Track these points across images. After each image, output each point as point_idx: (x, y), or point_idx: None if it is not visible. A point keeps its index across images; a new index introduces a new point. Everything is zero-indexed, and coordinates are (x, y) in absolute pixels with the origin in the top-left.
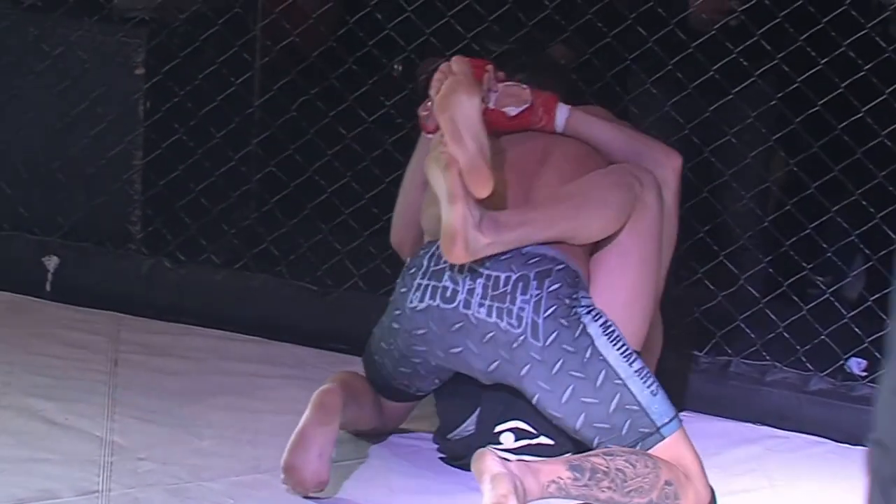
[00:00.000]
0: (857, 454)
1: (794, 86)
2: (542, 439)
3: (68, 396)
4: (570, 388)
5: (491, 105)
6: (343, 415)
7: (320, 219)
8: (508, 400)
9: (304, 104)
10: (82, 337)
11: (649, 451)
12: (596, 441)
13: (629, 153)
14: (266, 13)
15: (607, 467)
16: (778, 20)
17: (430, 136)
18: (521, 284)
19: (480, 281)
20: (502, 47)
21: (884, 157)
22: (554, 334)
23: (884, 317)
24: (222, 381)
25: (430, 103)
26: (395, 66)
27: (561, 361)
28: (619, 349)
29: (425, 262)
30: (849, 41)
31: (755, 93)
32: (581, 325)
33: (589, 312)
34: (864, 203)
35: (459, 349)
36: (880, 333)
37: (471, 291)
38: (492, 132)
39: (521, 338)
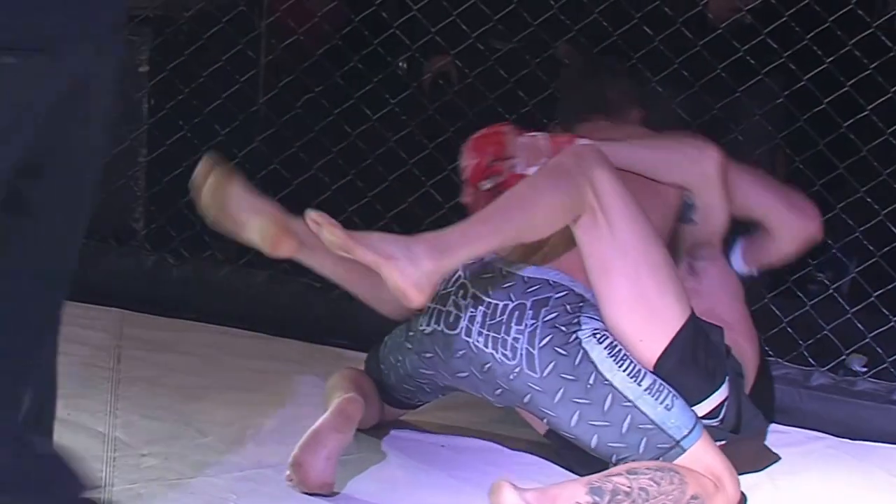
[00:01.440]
0: (857, 449)
1: (801, 84)
2: None
3: (71, 392)
4: (577, 413)
5: (518, 171)
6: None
7: None
8: None
9: (309, 102)
10: (85, 333)
11: (675, 463)
12: (614, 458)
13: (658, 165)
14: (271, 11)
15: (629, 487)
16: (784, 19)
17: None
18: (516, 314)
19: (481, 308)
20: (507, 46)
21: (888, 154)
22: (551, 364)
23: (886, 312)
24: (225, 376)
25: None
26: (401, 65)
27: (562, 390)
28: (625, 370)
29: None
30: (854, 40)
31: (761, 91)
32: (582, 352)
33: (593, 335)
34: (868, 200)
35: (465, 374)
36: (881, 329)
37: (472, 319)
38: None
39: (517, 369)
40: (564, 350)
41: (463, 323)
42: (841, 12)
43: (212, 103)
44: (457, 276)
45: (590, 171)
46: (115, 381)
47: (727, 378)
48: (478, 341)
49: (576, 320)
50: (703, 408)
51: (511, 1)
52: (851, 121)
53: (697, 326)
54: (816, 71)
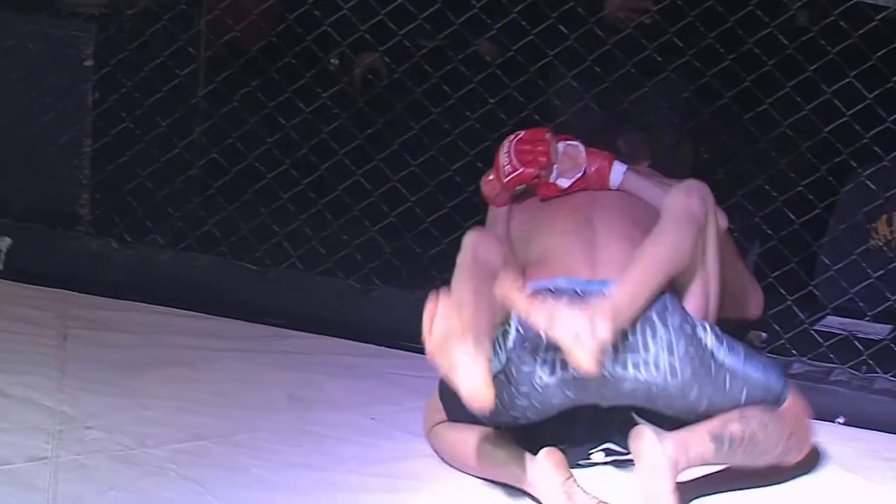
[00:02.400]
0: None
1: (704, 80)
2: (630, 457)
3: (20, 369)
4: (705, 402)
5: (551, 179)
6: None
7: (260, 203)
8: (599, 423)
9: (246, 95)
10: (33, 313)
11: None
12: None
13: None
14: (210, 9)
15: (742, 434)
16: (689, 19)
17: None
18: (648, 328)
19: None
20: (431, 43)
21: (785, 145)
22: (689, 370)
23: (782, 293)
24: (166, 354)
25: (491, 177)
26: (332, 61)
27: (696, 387)
28: (728, 349)
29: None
30: (754, 39)
31: (668, 86)
32: (704, 347)
33: (703, 328)
34: (767, 188)
35: (591, 397)
36: (778, 308)
37: None
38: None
39: (660, 382)
40: (695, 350)
41: None
42: (742, 13)
43: (154, 96)
44: None
45: (708, 223)
46: (61, 359)
47: None
48: (615, 370)
49: (686, 315)
50: None
51: (436, 1)
52: (751, 114)
53: None
54: (719, 67)
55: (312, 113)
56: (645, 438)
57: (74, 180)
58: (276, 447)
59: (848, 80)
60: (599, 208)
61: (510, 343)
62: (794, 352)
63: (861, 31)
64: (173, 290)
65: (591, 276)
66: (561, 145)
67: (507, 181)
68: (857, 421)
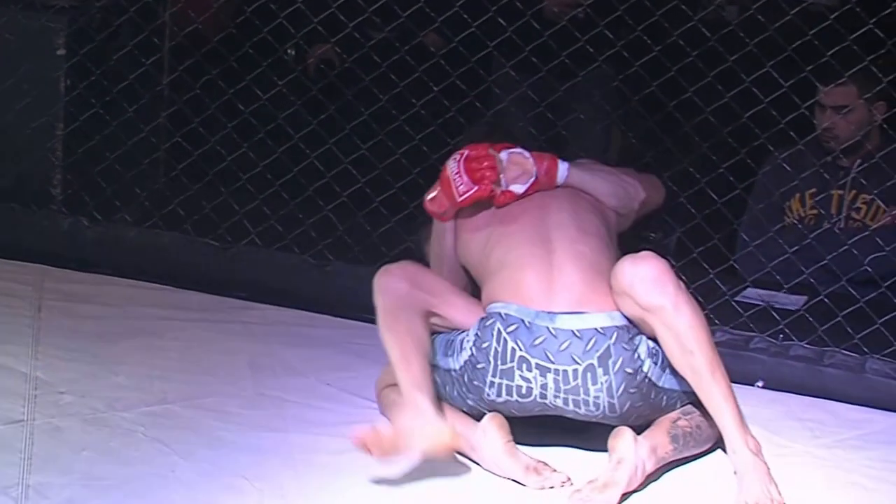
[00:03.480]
0: None
1: (632, 69)
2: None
3: None
4: (639, 417)
5: (503, 187)
6: None
7: (221, 183)
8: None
9: (207, 83)
10: (10, 286)
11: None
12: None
13: (614, 193)
14: (174, 2)
15: (690, 427)
16: (618, 13)
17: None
18: (589, 375)
19: (550, 376)
20: (380, 35)
21: (707, 130)
22: (628, 403)
23: (706, 267)
24: (135, 324)
25: (435, 194)
26: (289, 51)
27: (635, 416)
28: (664, 367)
29: (492, 361)
30: (679, 32)
31: (599, 75)
32: (647, 380)
33: (649, 356)
34: (690, 170)
35: (539, 413)
36: (702, 281)
37: (544, 386)
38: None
39: (599, 416)
40: (635, 388)
41: (536, 390)
42: (667, 6)
43: (121, 83)
44: (511, 349)
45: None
46: (36, 328)
47: None
48: (555, 401)
49: (636, 355)
50: None
51: None
52: (676, 101)
53: None
54: (647, 58)
55: (269, 99)
56: (623, 438)
57: (47, 162)
58: (238, 410)
59: (765, 69)
60: (553, 220)
61: (463, 358)
62: (716, 321)
63: (777, 24)
64: (141, 265)
65: (544, 306)
66: (504, 154)
67: (462, 200)
68: (775, 384)
